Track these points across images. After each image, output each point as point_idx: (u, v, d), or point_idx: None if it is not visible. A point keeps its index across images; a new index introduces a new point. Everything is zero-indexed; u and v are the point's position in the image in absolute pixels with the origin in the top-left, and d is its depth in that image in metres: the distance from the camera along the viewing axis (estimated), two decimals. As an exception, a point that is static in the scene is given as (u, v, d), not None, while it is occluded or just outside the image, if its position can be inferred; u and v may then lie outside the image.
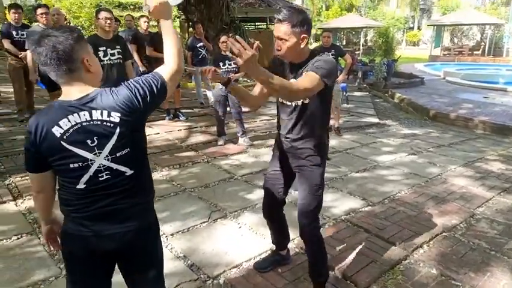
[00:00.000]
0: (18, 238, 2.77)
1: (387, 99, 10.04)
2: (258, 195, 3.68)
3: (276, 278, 2.44)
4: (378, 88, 10.96)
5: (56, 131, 1.29)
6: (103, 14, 3.96)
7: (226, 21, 11.32)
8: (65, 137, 1.30)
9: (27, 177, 3.78)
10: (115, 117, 1.33)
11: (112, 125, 1.33)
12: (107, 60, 3.97)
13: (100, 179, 1.35)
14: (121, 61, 4.11)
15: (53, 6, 17.66)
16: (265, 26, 15.58)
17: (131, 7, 23.86)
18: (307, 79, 1.82)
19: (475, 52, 22.57)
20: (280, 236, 2.50)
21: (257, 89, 2.15)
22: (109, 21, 3.96)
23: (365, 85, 11.21)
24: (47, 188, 1.43)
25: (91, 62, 1.36)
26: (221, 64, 5.10)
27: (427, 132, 6.77)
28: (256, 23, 16.31)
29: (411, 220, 3.27)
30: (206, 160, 4.67)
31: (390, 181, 4.20)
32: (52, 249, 1.61)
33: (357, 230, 3.06)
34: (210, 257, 2.65)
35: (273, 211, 2.38)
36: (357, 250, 2.75)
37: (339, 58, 6.08)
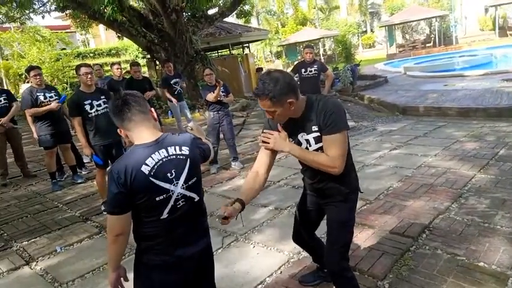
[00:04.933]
0: (43, 299, 2.80)
1: (357, 102, 10.50)
2: (261, 214, 3.85)
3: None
4: (347, 93, 11.45)
5: (145, 169, 1.48)
6: (83, 70, 4.10)
7: (191, 53, 11.66)
8: (152, 173, 1.49)
9: (33, 240, 3.79)
10: (185, 150, 1.59)
11: (183, 157, 1.58)
12: (94, 112, 4.10)
13: (178, 206, 1.57)
14: (107, 110, 4.24)
15: (13, 67, 17.60)
16: (228, 52, 16.05)
17: (91, 55, 24.00)
18: (334, 146, 1.79)
19: (427, 45, 23.98)
20: (317, 257, 2.49)
21: (260, 173, 1.97)
22: (89, 76, 4.12)
23: (334, 93, 11.68)
24: (127, 229, 1.55)
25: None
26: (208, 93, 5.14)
27: (402, 127, 7.16)
28: (220, 51, 16.77)
29: (408, 210, 3.51)
30: (204, 190, 4.78)
31: (381, 177, 4.47)
32: None
33: (362, 228, 3.27)
34: (233, 279, 2.77)
35: (300, 238, 2.39)
36: (367, 246, 2.95)
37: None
